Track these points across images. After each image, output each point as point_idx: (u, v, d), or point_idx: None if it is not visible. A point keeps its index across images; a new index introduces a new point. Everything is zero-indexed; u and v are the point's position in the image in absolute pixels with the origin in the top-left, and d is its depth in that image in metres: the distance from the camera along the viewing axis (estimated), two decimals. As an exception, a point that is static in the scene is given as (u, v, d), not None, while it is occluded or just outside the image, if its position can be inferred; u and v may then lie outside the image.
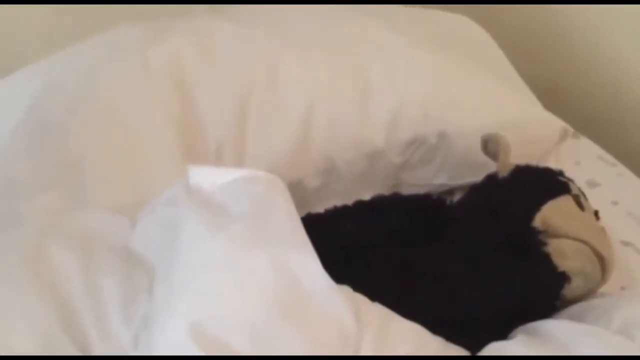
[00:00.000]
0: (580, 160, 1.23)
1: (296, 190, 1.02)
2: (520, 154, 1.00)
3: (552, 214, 0.85)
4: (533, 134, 1.08)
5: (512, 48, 1.30)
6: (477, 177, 0.99)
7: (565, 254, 0.83)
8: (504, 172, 0.93)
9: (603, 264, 0.86)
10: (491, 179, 0.94)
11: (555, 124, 1.12)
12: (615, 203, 1.14)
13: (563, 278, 0.82)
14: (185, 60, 1.03)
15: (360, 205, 0.92)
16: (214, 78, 1.03)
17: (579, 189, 0.93)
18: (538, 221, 0.85)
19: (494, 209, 0.87)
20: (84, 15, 1.31)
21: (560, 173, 0.93)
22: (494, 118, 1.06)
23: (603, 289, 0.91)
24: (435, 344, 0.73)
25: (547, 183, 0.90)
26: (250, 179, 0.73)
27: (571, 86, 1.50)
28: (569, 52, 1.50)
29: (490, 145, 0.97)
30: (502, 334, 0.80)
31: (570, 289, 0.82)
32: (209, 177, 0.73)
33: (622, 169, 1.23)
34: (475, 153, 1.01)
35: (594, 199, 1.08)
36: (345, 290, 0.69)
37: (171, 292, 0.64)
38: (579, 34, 1.47)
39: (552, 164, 1.12)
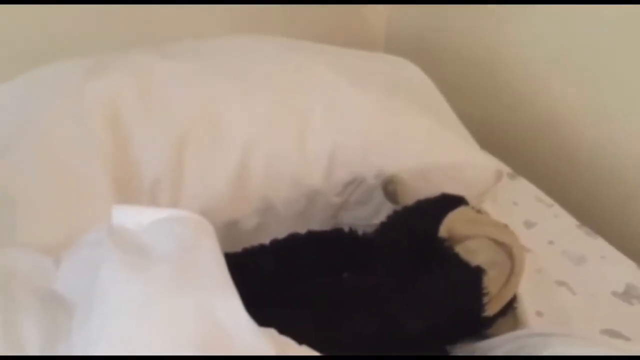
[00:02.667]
0: (518, 201, 1.26)
1: (233, 230, 1.02)
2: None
3: (454, 222, 0.90)
4: (468, 175, 1.10)
5: (452, 90, 1.33)
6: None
7: (473, 251, 0.86)
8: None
9: (510, 255, 0.89)
10: (396, 212, 0.99)
11: (490, 165, 1.14)
12: (551, 242, 1.16)
13: (479, 271, 0.84)
14: (122, 97, 1.02)
15: (275, 242, 0.93)
16: (151, 116, 1.02)
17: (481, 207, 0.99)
18: (443, 232, 0.89)
19: (403, 232, 0.92)
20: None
21: (458, 195, 0.98)
22: (431, 159, 1.07)
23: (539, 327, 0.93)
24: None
25: (446, 201, 0.96)
26: (176, 220, 0.71)
27: (510, 128, 1.53)
28: (508, 95, 1.53)
29: (389, 187, 1.03)
30: (442, 348, 0.85)
31: (490, 281, 0.85)
32: (133, 217, 0.71)
33: (558, 209, 1.26)
34: (414, 193, 1.03)
35: (531, 239, 1.11)
36: (271, 333, 0.68)
37: (86, 340, 0.62)
38: (515, 76, 1.50)
39: (489, 204, 1.14)
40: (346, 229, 0.96)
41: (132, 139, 1.00)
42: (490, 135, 1.36)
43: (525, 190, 1.29)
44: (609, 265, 1.12)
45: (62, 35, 1.39)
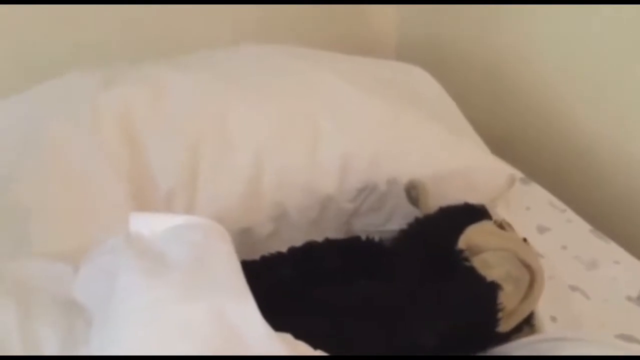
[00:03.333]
0: (531, 206, 1.26)
1: (247, 237, 1.03)
2: (468, 201, 1.02)
3: (474, 235, 0.89)
4: (481, 181, 1.10)
5: (462, 96, 1.33)
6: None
7: (489, 264, 0.85)
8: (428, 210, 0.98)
9: (530, 271, 0.88)
10: (417, 220, 0.98)
11: (502, 170, 1.14)
12: (564, 247, 1.16)
13: (494, 287, 0.83)
14: (135, 109, 1.03)
15: (293, 250, 0.93)
16: (164, 126, 1.03)
17: (503, 219, 0.96)
18: (462, 244, 0.88)
19: (421, 242, 0.91)
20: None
21: (481, 205, 0.97)
22: (443, 165, 1.08)
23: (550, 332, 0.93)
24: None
25: (467, 213, 0.95)
26: (191, 226, 0.72)
27: (521, 133, 1.53)
28: (519, 100, 1.53)
29: (412, 192, 1.02)
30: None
31: (505, 297, 0.84)
32: (149, 224, 0.72)
33: (571, 214, 1.25)
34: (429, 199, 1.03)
35: (544, 244, 1.11)
36: (287, 338, 0.68)
37: (103, 347, 0.63)
38: (528, 82, 1.50)
39: (502, 209, 1.14)
40: (364, 237, 0.96)
41: (146, 149, 1.01)
42: (502, 141, 1.36)
43: (537, 195, 1.29)
44: (622, 269, 1.12)
45: (70, 45, 1.41)
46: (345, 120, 1.09)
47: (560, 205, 1.28)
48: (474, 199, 1.03)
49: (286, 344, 0.66)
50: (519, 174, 1.25)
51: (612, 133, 1.35)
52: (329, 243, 0.95)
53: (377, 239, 0.96)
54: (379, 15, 1.78)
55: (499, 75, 1.56)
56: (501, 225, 0.93)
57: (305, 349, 0.69)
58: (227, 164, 1.02)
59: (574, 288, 1.07)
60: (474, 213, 0.95)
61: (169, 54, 1.19)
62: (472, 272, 0.85)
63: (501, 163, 1.17)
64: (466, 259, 0.86)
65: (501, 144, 1.34)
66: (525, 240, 0.94)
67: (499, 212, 1.09)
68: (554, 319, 0.99)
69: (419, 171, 1.07)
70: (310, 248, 0.93)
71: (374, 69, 1.27)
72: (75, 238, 0.90)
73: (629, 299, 1.06)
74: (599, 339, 0.85)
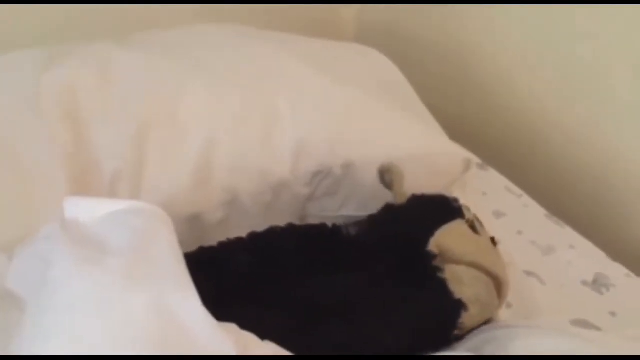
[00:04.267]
0: (487, 191, 1.25)
1: (196, 224, 0.99)
2: (426, 186, 1.00)
3: (446, 238, 0.86)
4: (438, 165, 1.08)
5: (421, 81, 1.31)
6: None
7: (461, 281, 0.82)
8: (400, 201, 0.93)
9: (498, 284, 0.86)
10: (388, 209, 0.94)
11: (459, 154, 1.13)
12: (520, 233, 1.16)
13: (459, 305, 0.81)
14: (80, 88, 0.98)
15: (254, 236, 0.89)
16: (110, 107, 0.98)
17: (474, 215, 0.93)
18: (433, 246, 0.85)
19: (389, 236, 0.87)
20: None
21: (455, 200, 0.93)
22: (399, 150, 1.05)
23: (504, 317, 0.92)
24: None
25: (441, 209, 0.91)
26: (132, 211, 0.69)
27: (480, 120, 1.52)
28: (477, 86, 1.53)
29: (386, 176, 0.99)
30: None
31: (468, 317, 0.82)
32: (87, 210, 0.68)
33: (527, 199, 1.25)
34: (380, 184, 1.01)
35: (500, 229, 1.09)
36: (231, 329, 0.65)
37: (39, 336, 0.59)
38: (485, 69, 1.50)
39: (459, 194, 1.12)
40: (329, 224, 0.93)
41: (90, 131, 0.96)
42: (460, 127, 1.35)
43: (494, 181, 1.29)
44: (578, 254, 1.12)
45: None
46: (301, 104, 1.06)
47: (517, 190, 1.28)
48: (431, 184, 1.01)
49: (231, 335, 0.63)
50: (475, 159, 1.24)
51: (570, 120, 1.35)
52: (292, 229, 0.91)
53: (344, 227, 0.93)
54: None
55: (458, 63, 1.55)
56: (473, 225, 0.90)
57: (251, 339, 0.67)
58: (177, 147, 0.98)
59: (529, 273, 1.07)
60: (447, 208, 0.91)
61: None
62: (443, 285, 0.82)
63: (458, 147, 1.15)
64: (438, 269, 0.83)
65: (458, 129, 1.33)
66: (493, 240, 0.92)
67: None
68: (509, 305, 0.98)
69: (374, 155, 1.05)
70: (271, 234, 0.90)
71: (331, 52, 1.24)
72: (14, 226, 0.86)
73: (584, 283, 1.07)
74: (553, 326, 0.83)
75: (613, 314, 1.00)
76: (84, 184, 0.92)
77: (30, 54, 1.06)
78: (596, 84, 1.28)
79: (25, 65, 1.04)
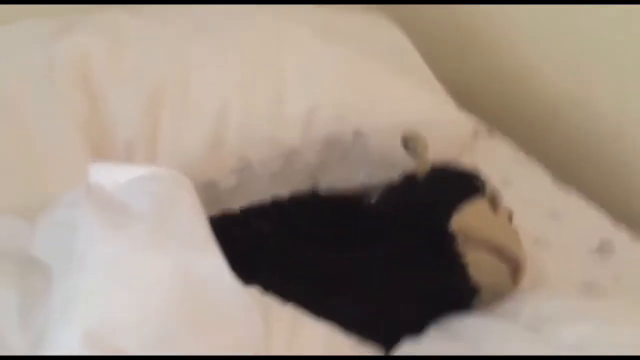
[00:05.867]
0: (495, 158, 1.25)
1: (210, 190, 1.00)
2: (433, 153, 1.01)
3: (468, 217, 0.86)
4: (445, 132, 1.09)
5: (428, 48, 1.32)
6: (395, 175, 0.99)
7: (480, 267, 0.83)
8: (422, 170, 0.93)
9: (516, 268, 0.87)
10: (408, 179, 0.94)
11: (467, 123, 1.14)
12: (527, 199, 1.16)
13: (475, 291, 0.82)
14: (92, 57, 0.99)
15: (276, 203, 0.90)
16: (122, 75, 1.00)
17: (495, 189, 0.93)
18: (455, 225, 0.85)
19: (411, 211, 0.87)
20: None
21: (477, 176, 0.93)
22: (408, 117, 1.07)
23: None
24: (347, 344, 0.72)
25: (463, 185, 0.91)
26: (154, 177, 0.70)
27: (486, 86, 1.52)
28: (483, 53, 1.53)
29: (409, 143, 0.98)
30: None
31: (478, 301, 0.83)
32: (110, 175, 0.70)
33: (534, 166, 1.26)
34: (391, 151, 1.02)
35: (507, 197, 1.10)
36: (253, 292, 0.67)
37: (66, 299, 0.61)
38: (492, 36, 1.50)
39: (466, 162, 1.14)
40: (352, 195, 0.93)
41: (104, 99, 0.98)
42: (466, 94, 1.36)
43: (501, 148, 1.28)
44: (584, 220, 1.13)
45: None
46: (310, 71, 1.07)
47: (524, 157, 1.28)
48: (438, 151, 1.02)
49: (252, 297, 0.65)
50: (482, 127, 1.24)
51: (573, 87, 1.35)
52: (313, 198, 0.92)
53: (366, 197, 0.93)
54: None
55: (464, 32, 1.55)
56: (494, 201, 0.90)
57: (272, 303, 0.69)
58: (190, 115, 1.00)
59: (537, 240, 1.08)
60: (470, 184, 0.91)
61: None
62: (463, 270, 0.82)
63: (466, 116, 1.16)
64: (460, 254, 0.83)
65: (466, 97, 1.33)
66: (510, 215, 0.93)
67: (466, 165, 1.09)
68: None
69: (384, 122, 1.06)
70: (293, 202, 0.91)
71: (339, 20, 1.24)
72: (33, 193, 0.88)
73: (590, 248, 1.08)
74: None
75: (618, 278, 1.02)
76: (100, 151, 0.94)
77: (37, 23, 1.06)
78: (607, 50, 1.28)
79: (33, 35, 1.05)
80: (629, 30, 1.22)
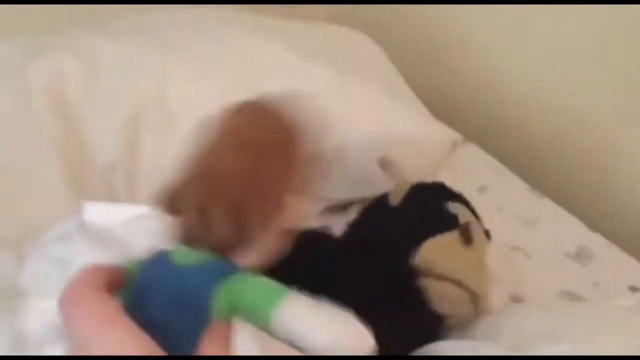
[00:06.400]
0: (469, 167, 1.27)
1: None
2: (412, 166, 1.02)
3: (433, 252, 0.86)
4: (426, 146, 1.10)
5: (403, 60, 1.33)
6: (375, 190, 1.00)
7: (443, 298, 0.85)
8: (397, 195, 0.94)
9: (475, 299, 0.88)
10: (382, 204, 0.95)
11: (445, 135, 1.15)
12: (503, 207, 1.18)
13: (440, 320, 0.84)
14: (68, 78, 0.97)
15: None
16: (99, 96, 0.98)
17: (473, 211, 0.94)
18: (420, 257, 0.85)
19: (380, 243, 0.88)
20: None
21: (450, 206, 0.92)
22: (388, 133, 1.07)
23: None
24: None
25: (434, 216, 0.91)
26: (152, 216, 0.69)
27: (461, 95, 1.54)
28: (457, 63, 1.54)
29: (388, 169, 1.00)
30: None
31: (446, 328, 0.86)
32: (105, 215, 0.69)
33: (509, 174, 1.28)
34: (369, 167, 1.03)
35: (482, 205, 1.12)
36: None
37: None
38: (464, 45, 1.51)
39: (443, 171, 1.15)
40: (319, 230, 0.92)
41: (81, 122, 0.96)
42: (439, 102, 1.37)
43: (476, 156, 1.31)
44: (560, 227, 1.15)
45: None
46: (287, 87, 1.06)
47: (498, 165, 1.30)
48: (419, 165, 1.03)
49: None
50: (458, 136, 1.26)
51: (547, 89, 1.37)
52: None
53: (331, 232, 0.94)
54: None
55: (434, 38, 1.56)
56: (467, 231, 0.89)
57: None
58: (170, 135, 0.98)
59: (514, 247, 1.10)
60: (441, 217, 0.90)
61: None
62: (427, 304, 0.84)
63: (444, 128, 1.18)
64: (423, 288, 0.84)
65: (438, 104, 1.35)
66: (487, 233, 0.93)
67: (442, 176, 1.09)
68: (497, 281, 1.01)
69: (362, 138, 1.06)
70: None
71: (314, 34, 1.24)
72: (13, 224, 0.85)
73: (568, 255, 1.10)
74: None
75: (596, 284, 1.05)
76: (79, 176, 0.92)
77: (14, 44, 1.04)
78: (575, 52, 1.30)
79: (6, 56, 1.02)
80: (599, 31, 1.24)
